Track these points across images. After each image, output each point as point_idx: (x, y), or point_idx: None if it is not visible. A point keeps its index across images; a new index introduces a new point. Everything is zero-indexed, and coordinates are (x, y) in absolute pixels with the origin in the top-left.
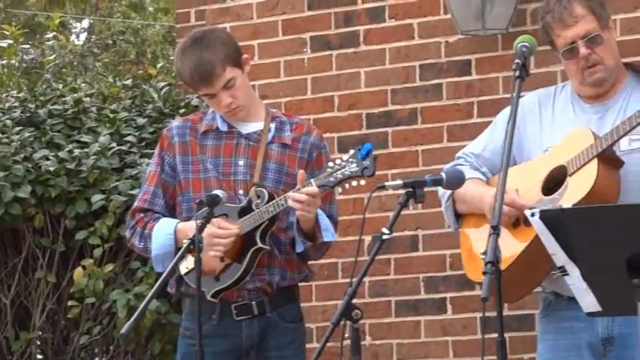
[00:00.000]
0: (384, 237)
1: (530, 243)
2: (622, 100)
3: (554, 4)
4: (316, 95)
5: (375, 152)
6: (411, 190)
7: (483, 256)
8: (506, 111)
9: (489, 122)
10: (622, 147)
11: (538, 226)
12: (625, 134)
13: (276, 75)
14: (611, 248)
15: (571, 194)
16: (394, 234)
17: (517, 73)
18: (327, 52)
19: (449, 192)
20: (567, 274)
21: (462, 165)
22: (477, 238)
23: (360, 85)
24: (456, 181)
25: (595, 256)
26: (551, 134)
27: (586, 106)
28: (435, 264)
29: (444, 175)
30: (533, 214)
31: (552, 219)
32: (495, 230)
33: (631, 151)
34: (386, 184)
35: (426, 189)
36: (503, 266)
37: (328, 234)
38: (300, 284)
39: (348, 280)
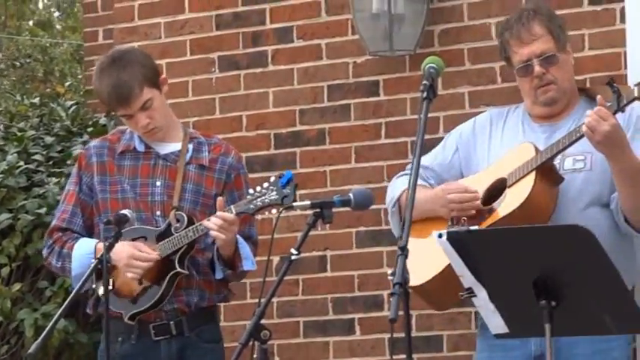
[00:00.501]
0: (293, 257)
1: None
2: (571, 123)
3: (514, 21)
4: (224, 115)
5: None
6: (319, 210)
7: (391, 277)
8: (460, 127)
9: (397, 143)
10: (566, 166)
11: (445, 247)
12: (564, 149)
13: (184, 94)
14: (518, 270)
15: (507, 204)
16: (302, 254)
17: (425, 94)
18: (235, 72)
19: (396, 197)
20: (475, 296)
21: (408, 175)
22: (418, 246)
23: (268, 105)
24: (364, 201)
25: (502, 277)
26: (498, 151)
27: (535, 126)
28: (344, 284)
29: (352, 195)
30: (440, 235)
31: (459, 240)
32: (403, 251)
33: (574, 170)
34: (294, 204)
35: (333, 209)
36: (431, 275)
37: (248, 263)
38: (220, 304)
39: (256, 300)
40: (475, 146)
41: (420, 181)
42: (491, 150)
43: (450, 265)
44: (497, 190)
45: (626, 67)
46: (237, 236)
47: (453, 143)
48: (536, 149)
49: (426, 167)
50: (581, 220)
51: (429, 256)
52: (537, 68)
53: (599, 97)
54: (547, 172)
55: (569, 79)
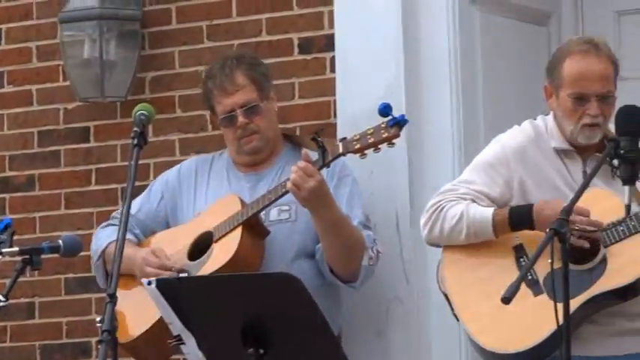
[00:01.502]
0: (0, 304)
1: None
2: (276, 171)
3: (217, 70)
4: None
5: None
6: (27, 257)
7: (100, 325)
8: (166, 174)
9: (108, 189)
10: (271, 216)
11: (153, 294)
12: (270, 204)
13: None
14: (227, 317)
15: (214, 260)
16: (10, 301)
17: (135, 141)
18: None
19: (100, 250)
20: (183, 344)
21: (114, 225)
22: (125, 299)
23: None
24: (74, 247)
25: (211, 325)
26: (204, 201)
27: (240, 175)
28: (52, 331)
29: (61, 242)
30: (149, 283)
31: (169, 288)
32: (112, 299)
33: (279, 221)
34: (2, 250)
35: (42, 256)
36: (140, 331)
37: None
38: None
39: None
40: (181, 194)
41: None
42: (197, 199)
43: (156, 323)
44: (204, 243)
45: (335, 116)
46: None
47: (158, 190)
48: (242, 202)
49: (131, 215)
50: (289, 272)
51: (136, 312)
52: (241, 119)
53: (304, 151)
54: (253, 225)
55: (274, 128)
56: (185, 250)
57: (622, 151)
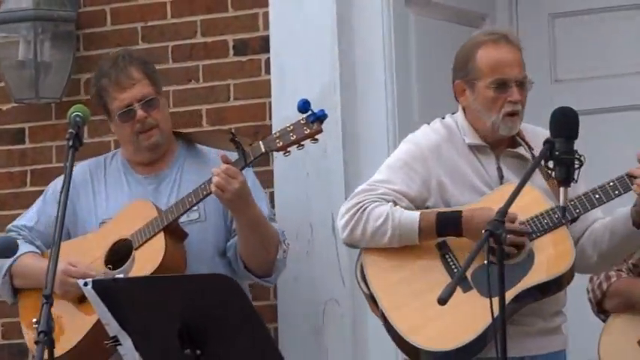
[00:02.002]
0: None
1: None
2: (176, 170)
3: (109, 67)
4: None
5: None
6: None
7: (36, 325)
8: (57, 181)
9: (43, 191)
10: (182, 218)
11: (91, 296)
12: (191, 207)
13: None
14: (163, 318)
15: (140, 268)
16: None
17: (70, 142)
18: None
19: (6, 267)
20: (120, 344)
21: (16, 238)
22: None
23: None
24: (9, 248)
25: (147, 326)
26: (106, 207)
27: (140, 178)
28: None
29: None
30: (86, 284)
31: (105, 289)
32: (48, 300)
33: (190, 221)
34: None
35: None
36: (72, 343)
37: None
38: None
39: None
40: (79, 201)
41: (27, 246)
42: (98, 207)
43: (89, 331)
44: (122, 251)
45: (270, 118)
46: None
47: (53, 200)
48: (157, 208)
49: (31, 228)
50: (208, 271)
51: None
52: (140, 112)
53: (222, 154)
54: (174, 230)
55: (169, 123)
56: (101, 259)
57: (557, 153)
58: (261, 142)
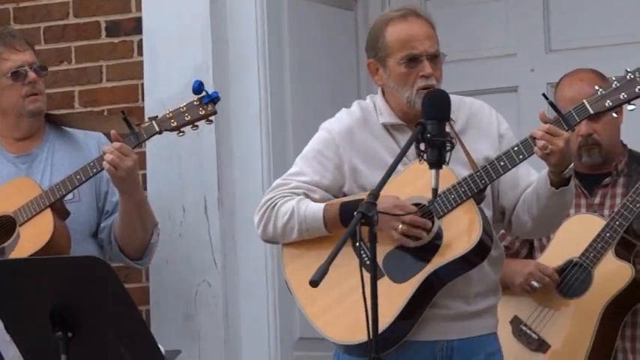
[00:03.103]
0: None
1: None
2: (46, 150)
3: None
4: None
5: None
6: None
7: None
8: None
9: None
10: (67, 197)
11: None
12: (80, 184)
13: None
14: (35, 301)
15: (25, 245)
16: None
17: None
18: None
19: None
20: None
21: None
22: None
23: None
24: None
25: (19, 308)
26: None
27: (11, 157)
28: None
29: None
30: None
31: None
32: None
33: (72, 201)
34: None
35: None
36: None
37: None
38: None
39: None
40: None
41: None
42: None
43: None
44: (3, 227)
45: (143, 99)
46: None
47: None
48: (39, 185)
49: None
50: (80, 252)
51: None
52: (32, 74)
53: (113, 131)
54: (59, 208)
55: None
56: None
57: (429, 135)
58: (154, 122)
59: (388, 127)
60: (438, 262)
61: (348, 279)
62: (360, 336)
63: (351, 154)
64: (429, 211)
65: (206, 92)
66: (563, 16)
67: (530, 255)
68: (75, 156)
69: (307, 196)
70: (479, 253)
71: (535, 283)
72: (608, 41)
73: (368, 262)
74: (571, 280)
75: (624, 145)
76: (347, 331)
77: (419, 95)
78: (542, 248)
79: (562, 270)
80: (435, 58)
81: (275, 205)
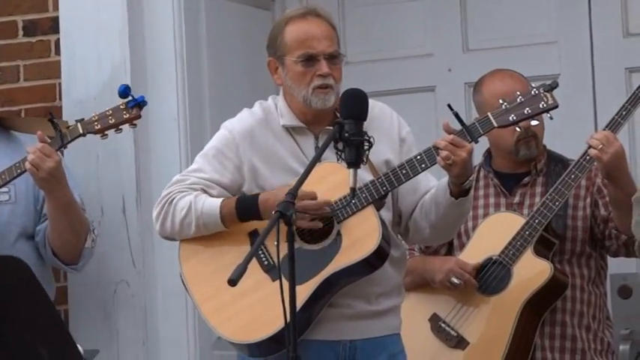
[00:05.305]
0: None
1: None
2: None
3: None
4: None
5: None
6: None
7: None
8: None
9: None
10: (2, 198)
11: None
12: (4, 185)
13: None
14: None
15: None
16: None
17: None
18: None
19: None
20: None
21: None
22: None
23: None
24: None
25: None
26: None
27: None
28: None
29: None
30: None
31: None
32: None
33: (7, 202)
34: None
35: None
36: None
37: None
38: None
39: None
40: None
41: None
42: None
43: None
44: None
45: (61, 99)
46: None
47: None
48: None
49: None
50: (15, 254)
51: None
52: None
53: (39, 132)
54: None
55: None
56: None
57: (347, 134)
58: (79, 124)
59: (289, 129)
60: (336, 265)
61: (245, 279)
62: (256, 335)
63: (252, 154)
64: (330, 216)
65: (132, 96)
66: (480, 16)
67: (450, 254)
68: (16, 158)
69: (205, 192)
70: (378, 259)
71: (455, 280)
72: (525, 41)
73: (266, 263)
74: (490, 277)
75: (544, 146)
76: (242, 330)
77: (315, 94)
78: (462, 247)
79: (481, 267)
80: (333, 58)
81: (173, 200)
